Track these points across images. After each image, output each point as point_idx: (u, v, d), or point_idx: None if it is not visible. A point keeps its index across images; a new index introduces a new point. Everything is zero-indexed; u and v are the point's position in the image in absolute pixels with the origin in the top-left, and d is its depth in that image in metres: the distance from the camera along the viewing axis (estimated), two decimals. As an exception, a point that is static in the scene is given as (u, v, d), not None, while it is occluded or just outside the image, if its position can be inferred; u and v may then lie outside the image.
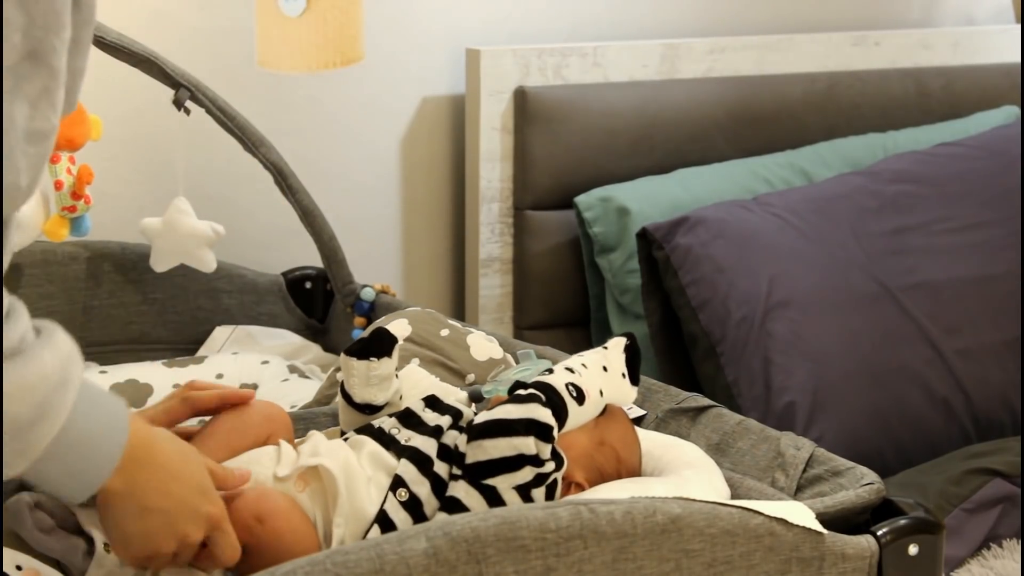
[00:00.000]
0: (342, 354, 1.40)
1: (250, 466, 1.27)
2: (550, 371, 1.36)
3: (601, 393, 1.39)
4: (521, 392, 1.30)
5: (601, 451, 1.38)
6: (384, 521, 1.24)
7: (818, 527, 1.25)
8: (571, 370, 1.36)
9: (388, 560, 1.07)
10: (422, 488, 1.27)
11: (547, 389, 1.31)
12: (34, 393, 1.01)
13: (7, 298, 1.01)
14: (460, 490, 1.26)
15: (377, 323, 1.84)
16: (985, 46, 2.82)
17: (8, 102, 0.98)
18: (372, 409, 1.39)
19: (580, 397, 1.34)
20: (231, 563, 1.20)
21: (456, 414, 1.35)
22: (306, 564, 1.06)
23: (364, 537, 1.23)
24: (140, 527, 1.13)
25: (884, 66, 2.72)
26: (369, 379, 1.38)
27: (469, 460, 1.26)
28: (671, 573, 1.19)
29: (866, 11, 2.79)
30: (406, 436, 1.32)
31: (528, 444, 1.25)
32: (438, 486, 1.27)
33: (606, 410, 1.41)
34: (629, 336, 1.46)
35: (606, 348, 1.44)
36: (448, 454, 1.29)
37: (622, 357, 1.44)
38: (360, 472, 1.27)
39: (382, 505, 1.25)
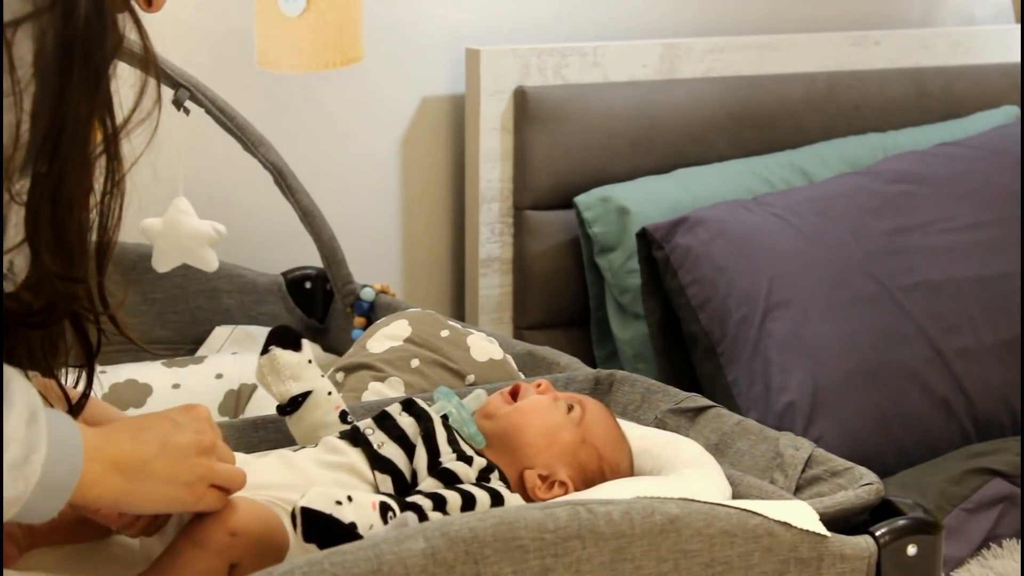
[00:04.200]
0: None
1: None
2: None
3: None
4: None
5: (583, 449, 1.39)
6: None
7: (821, 529, 1.25)
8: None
9: (386, 560, 1.07)
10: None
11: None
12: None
13: None
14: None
15: (377, 323, 1.84)
16: (985, 46, 2.82)
17: None
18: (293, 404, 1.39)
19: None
20: (240, 482, 1.20)
21: (429, 425, 1.34)
22: (304, 564, 1.06)
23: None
24: (157, 484, 1.14)
25: (884, 66, 2.72)
26: (280, 372, 1.39)
27: None
28: (669, 573, 1.19)
29: (866, 11, 2.79)
30: (379, 440, 1.32)
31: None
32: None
33: (588, 408, 1.42)
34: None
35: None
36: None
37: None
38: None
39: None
